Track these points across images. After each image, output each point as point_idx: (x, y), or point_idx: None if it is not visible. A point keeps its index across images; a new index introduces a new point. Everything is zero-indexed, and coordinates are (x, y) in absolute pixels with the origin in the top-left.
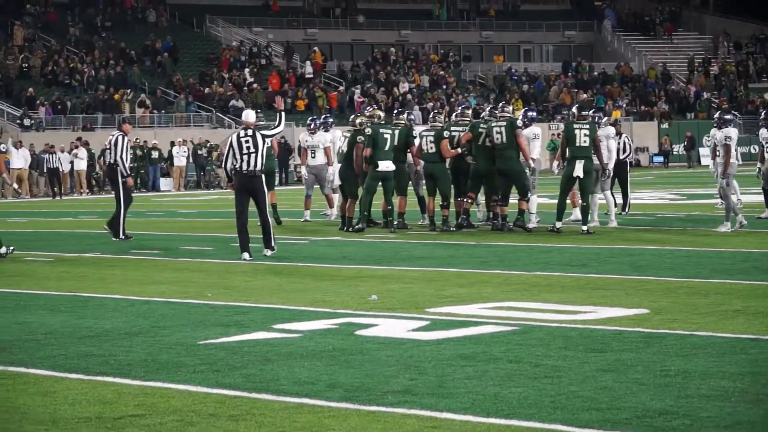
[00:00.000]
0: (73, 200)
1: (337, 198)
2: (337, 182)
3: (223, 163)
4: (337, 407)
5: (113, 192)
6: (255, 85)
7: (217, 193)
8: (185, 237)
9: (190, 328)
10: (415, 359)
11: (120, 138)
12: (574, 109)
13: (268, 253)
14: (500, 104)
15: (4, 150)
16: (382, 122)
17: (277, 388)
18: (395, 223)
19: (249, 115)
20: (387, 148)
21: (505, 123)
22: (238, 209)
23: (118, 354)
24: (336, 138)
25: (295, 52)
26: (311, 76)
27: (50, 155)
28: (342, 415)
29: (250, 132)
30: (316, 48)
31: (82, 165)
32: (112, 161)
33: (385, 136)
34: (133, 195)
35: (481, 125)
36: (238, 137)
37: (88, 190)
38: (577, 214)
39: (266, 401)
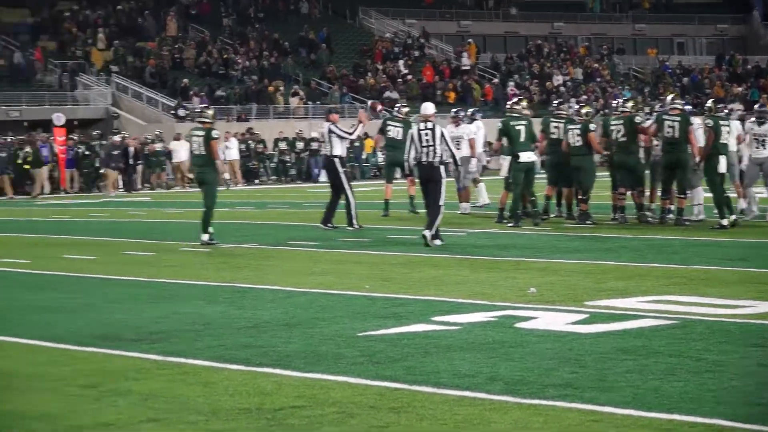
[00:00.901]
0: (227, 191)
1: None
2: (504, 173)
3: (406, 155)
4: (498, 400)
5: (330, 183)
6: (410, 77)
7: (372, 184)
8: (342, 228)
9: (349, 320)
10: (575, 352)
11: (332, 127)
12: (710, 103)
13: (426, 233)
14: (670, 97)
15: (216, 136)
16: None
17: (437, 380)
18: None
19: (427, 108)
20: (522, 139)
21: (679, 117)
22: (424, 197)
23: (277, 345)
24: (480, 129)
25: (430, 38)
26: (468, 68)
27: None
28: (503, 408)
29: (429, 125)
30: (470, 40)
31: (233, 155)
32: (328, 153)
33: (518, 128)
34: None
35: (612, 121)
36: (419, 130)
37: (244, 180)
38: (742, 203)
39: (427, 394)
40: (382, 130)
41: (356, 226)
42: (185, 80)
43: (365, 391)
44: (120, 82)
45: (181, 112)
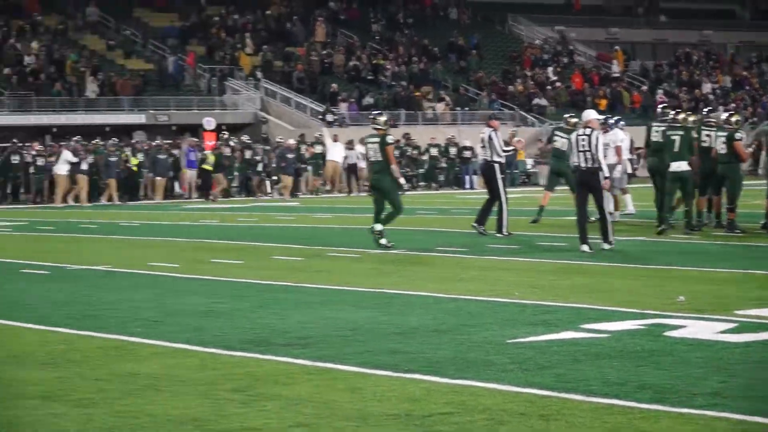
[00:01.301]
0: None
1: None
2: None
3: (570, 161)
4: (647, 408)
5: (488, 188)
6: (558, 84)
7: (522, 191)
8: (492, 235)
9: (498, 327)
10: (725, 361)
11: (492, 134)
12: None
13: (606, 247)
14: None
15: (391, 141)
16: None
17: (586, 388)
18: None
19: (587, 114)
20: (676, 149)
21: None
22: (578, 202)
23: (426, 351)
24: (626, 137)
25: (576, 44)
26: (618, 75)
27: (350, 151)
28: (653, 417)
29: (587, 131)
30: (617, 47)
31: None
32: (488, 158)
33: (673, 137)
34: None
35: None
36: (577, 135)
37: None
38: None
39: (576, 401)
40: (550, 140)
41: (506, 233)
42: (334, 85)
43: (515, 398)
44: (268, 87)
45: (329, 118)
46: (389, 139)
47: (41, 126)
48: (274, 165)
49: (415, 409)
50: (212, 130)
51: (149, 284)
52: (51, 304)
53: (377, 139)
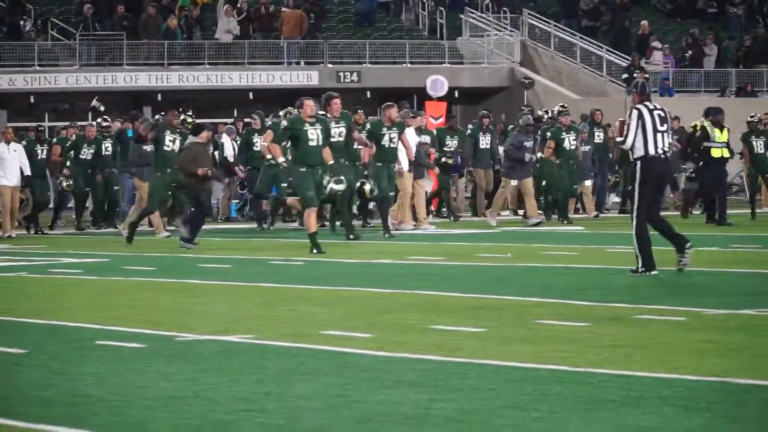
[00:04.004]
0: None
1: None
2: None
3: None
4: None
5: None
6: None
7: None
8: None
9: None
10: None
11: None
12: None
13: None
14: None
15: None
16: None
17: None
18: None
19: None
20: None
21: None
22: None
23: None
24: None
25: None
26: None
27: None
28: None
29: None
30: None
31: None
32: None
33: None
34: None
35: None
36: None
37: None
38: None
39: None
40: None
41: None
42: (643, 23)
43: None
44: (535, 23)
45: (636, 77)
46: None
47: (136, 90)
48: None
49: None
50: (441, 99)
51: (322, 368)
52: (148, 402)
53: None
